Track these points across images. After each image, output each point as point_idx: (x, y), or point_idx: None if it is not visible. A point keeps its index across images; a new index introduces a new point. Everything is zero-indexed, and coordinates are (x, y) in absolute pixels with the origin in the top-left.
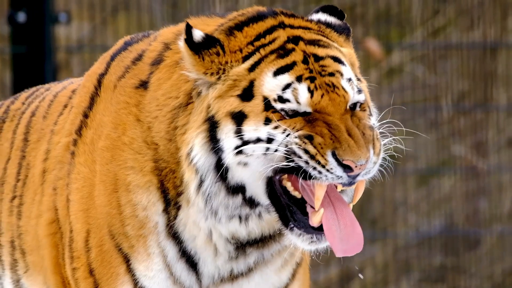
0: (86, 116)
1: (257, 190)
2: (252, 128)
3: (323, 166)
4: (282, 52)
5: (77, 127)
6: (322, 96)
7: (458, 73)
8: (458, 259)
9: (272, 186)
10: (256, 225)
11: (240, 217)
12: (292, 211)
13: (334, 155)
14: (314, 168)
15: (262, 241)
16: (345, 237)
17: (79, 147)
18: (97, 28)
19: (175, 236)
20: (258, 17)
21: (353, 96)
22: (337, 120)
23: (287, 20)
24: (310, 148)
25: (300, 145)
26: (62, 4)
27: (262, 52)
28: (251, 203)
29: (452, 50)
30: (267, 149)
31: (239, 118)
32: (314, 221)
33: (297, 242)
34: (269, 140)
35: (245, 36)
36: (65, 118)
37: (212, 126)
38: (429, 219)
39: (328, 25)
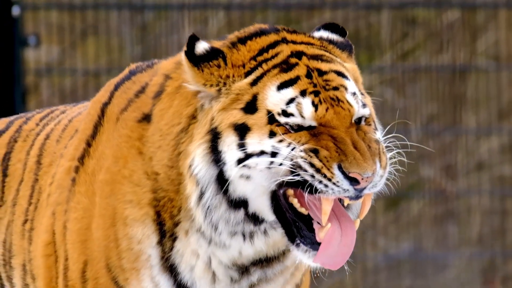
0: (89, 144)
1: (261, 205)
2: (256, 141)
3: (329, 180)
4: (285, 66)
5: (80, 155)
6: (326, 110)
7: (427, 96)
8: (427, 282)
9: (277, 201)
10: (262, 243)
11: (243, 234)
12: (298, 227)
13: (340, 168)
14: (320, 182)
15: (266, 261)
16: (335, 255)
17: (80, 176)
18: (66, 51)
19: (171, 268)
20: (261, 33)
21: (358, 110)
22: (342, 133)
23: (289, 36)
24: (316, 161)
25: (306, 159)
26: (31, 27)
27: (265, 66)
28: (254, 219)
29: (421, 73)
30: (271, 162)
31: (242, 130)
32: (321, 236)
33: (303, 258)
34: (274, 154)
35: (248, 50)
36: (72, 142)
37: (214, 137)
38: (398, 243)
39: (330, 41)
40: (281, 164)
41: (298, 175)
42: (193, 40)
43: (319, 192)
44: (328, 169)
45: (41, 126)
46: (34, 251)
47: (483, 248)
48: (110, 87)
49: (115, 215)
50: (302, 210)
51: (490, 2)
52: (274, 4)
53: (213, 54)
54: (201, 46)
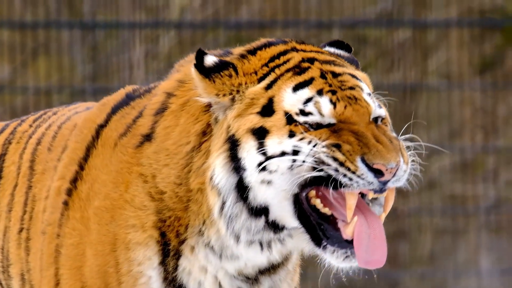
0: (81, 167)
1: (283, 211)
2: (276, 142)
3: (354, 173)
4: (298, 70)
5: (72, 177)
6: (345, 107)
7: None
8: None
9: (300, 205)
10: (277, 253)
11: (261, 244)
12: (323, 229)
13: (363, 160)
14: (345, 175)
15: (273, 268)
16: (371, 248)
17: (74, 201)
18: (18, 70)
19: None
20: (270, 44)
21: (375, 109)
22: (363, 128)
23: (298, 46)
24: (339, 155)
25: (328, 154)
26: None
27: (278, 71)
28: (274, 227)
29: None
30: (293, 162)
31: (260, 134)
32: (347, 233)
33: (332, 260)
34: (295, 153)
35: (259, 59)
36: (62, 159)
37: (232, 145)
38: None
39: (338, 55)
40: (303, 162)
41: (322, 170)
42: (201, 54)
43: (343, 187)
44: (352, 162)
45: (33, 128)
46: (32, 262)
47: (434, 266)
48: (107, 109)
49: (116, 241)
50: (326, 211)
51: (441, 21)
52: (225, 23)
53: (223, 65)
54: (210, 59)
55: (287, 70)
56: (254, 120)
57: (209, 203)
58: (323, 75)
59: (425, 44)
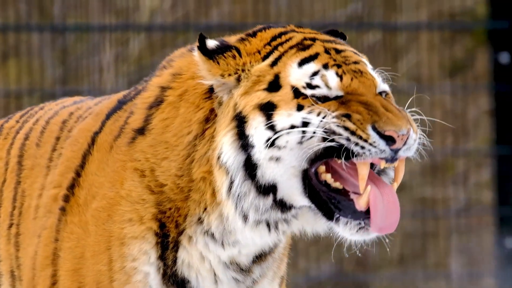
0: (78, 174)
1: (291, 189)
2: (285, 117)
3: (365, 141)
4: (302, 46)
5: (69, 184)
6: (351, 80)
7: None
8: None
9: (309, 182)
10: (283, 234)
11: (268, 224)
12: (335, 202)
13: (374, 129)
14: (356, 144)
15: (264, 256)
16: (386, 214)
17: (72, 206)
18: None
19: (182, 282)
20: (269, 27)
21: (380, 84)
22: (371, 98)
23: (297, 29)
24: (350, 124)
25: (339, 123)
26: None
27: (281, 49)
28: (282, 205)
29: None
30: (303, 134)
31: (268, 109)
32: (361, 204)
33: (345, 232)
34: (305, 124)
35: (260, 39)
36: (57, 166)
37: (240, 122)
38: (319, 264)
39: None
40: (314, 133)
41: (333, 141)
42: (203, 38)
43: (355, 156)
44: (363, 131)
45: (20, 123)
46: (22, 257)
47: (404, 269)
48: (101, 116)
49: (111, 238)
50: (337, 185)
51: (411, 24)
52: (195, 26)
53: (226, 47)
54: (212, 42)
55: (291, 47)
56: (261, 96)
57: (217, 184)
58: (327, 51)
59: (395, 46)
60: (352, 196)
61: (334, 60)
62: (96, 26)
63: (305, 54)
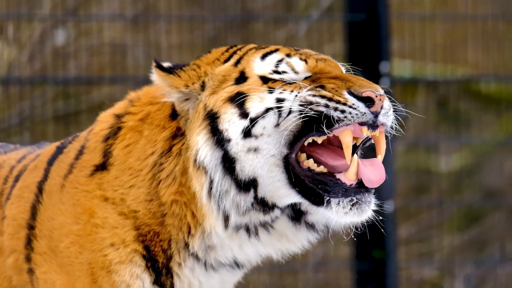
0: (31, 227)
1: (274, 182)
2: (257, 101)
3: (345, 104)
4: (260, 47)
5: (25, 242)
6: (317, 62)
7: None
8: None
9: (293, 171)
10: (263, 245)
11: (248, 229)
12: (322, 186)
13: (351, 93)
14: (336, 109)
15: (237, 266)
16: (373, 170)
17: (36, 261)
18: None
19: None
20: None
21: (344, 71)
22: (340, 73)
23: None
24: (325, 92)
25: (315, 94)
26: None
27: (240, 52)
28: (264, 204)
29: None
30: (279, 114)
31: (239, 99)
32: (350, 174)
33: (339, 215)
34: (279, 102)
35: (215, 52)
36: (4, 230)
37: (212, 119)
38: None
39: None
40: (290, 109)
41: (311, 110)
42: (157, 61)
43: (337, 121)
44: (340, 96)
45: None
46: None
47: None
48: (41, 165)
49: (93, 269)
50: (321, 168)
51: None
52: (53, 78)
53: (183, 65)
54: (167, 63)
55: (249, 49)
56: (230, 90)
57: (195, 188)
58: (286, 49)
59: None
60: (338, 175)
61: (296, 51)
62: None
63: (266, 50)
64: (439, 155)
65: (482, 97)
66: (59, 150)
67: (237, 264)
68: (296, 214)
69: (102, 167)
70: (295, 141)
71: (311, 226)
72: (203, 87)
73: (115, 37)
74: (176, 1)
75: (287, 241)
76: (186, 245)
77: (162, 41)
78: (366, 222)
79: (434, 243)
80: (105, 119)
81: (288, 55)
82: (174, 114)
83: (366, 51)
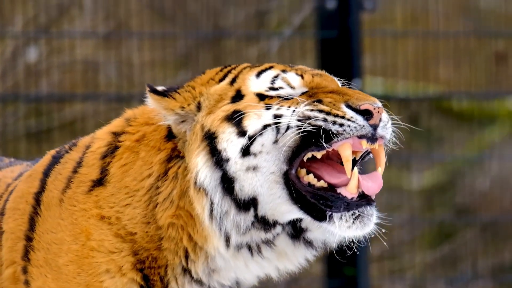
0: (29, 239)
1: (274, 199)
2: (255, 118)
3: (343, 117)
4: (254, 65)
5: (22, 254)
6: (313, 77)
7: None
8: None
9: (294, 187)
10: (267, 261)
11: (250, 248)
12: (324, 201)
13: (349, 106)
14: (334, 123)
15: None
16: (371, 178)
17: (32, 273)
18: None
19: None
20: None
21: (341, 86)
22: (337, 87)
23: None
24: (323, 107)
25: (313, 108)
26: None
27: (234, 72)
28: (264, 223)
29: None
30: (277, 130)
31: (236, 117)
32: (351, 188)
33: (341, 229)
34: (277, 117)
35: (209, 73)
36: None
37: (210, 139)
38: None
39: None
40: (288, 124)
41: (309, 125)
42: (151, 85)
43: (336, 135)
44: (338, 109)
45: None
46: None
47: None
48: (37, 176)
49: None
50: (321, 183)
51: None
52: (25, 96)
53: (176, 87)
54: (161, 87)
55: (244, 68)
56: (226, 108)
57: (198, 212)
58: (281, 65)
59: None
60: (339, 189)
61: (291, 67)
62: None
63: (261, 68)
64: (411, 172)
65: (454, 114)
66: (55, 160)
67: (237, 285)
68: (295, 232)
69: (99, 182)
70: (294, 156)
71: (309, 243)
72: (199, 107)
73: (87, 54)
74: (148, 18)
75: (287, 259)
76: (185, 271)
77: (134, 58)
78: (369, 235)
79: (406, 260)
80: (102, 136)
81: (284, 71)
82: (169, 135)
83: (338, 68)
